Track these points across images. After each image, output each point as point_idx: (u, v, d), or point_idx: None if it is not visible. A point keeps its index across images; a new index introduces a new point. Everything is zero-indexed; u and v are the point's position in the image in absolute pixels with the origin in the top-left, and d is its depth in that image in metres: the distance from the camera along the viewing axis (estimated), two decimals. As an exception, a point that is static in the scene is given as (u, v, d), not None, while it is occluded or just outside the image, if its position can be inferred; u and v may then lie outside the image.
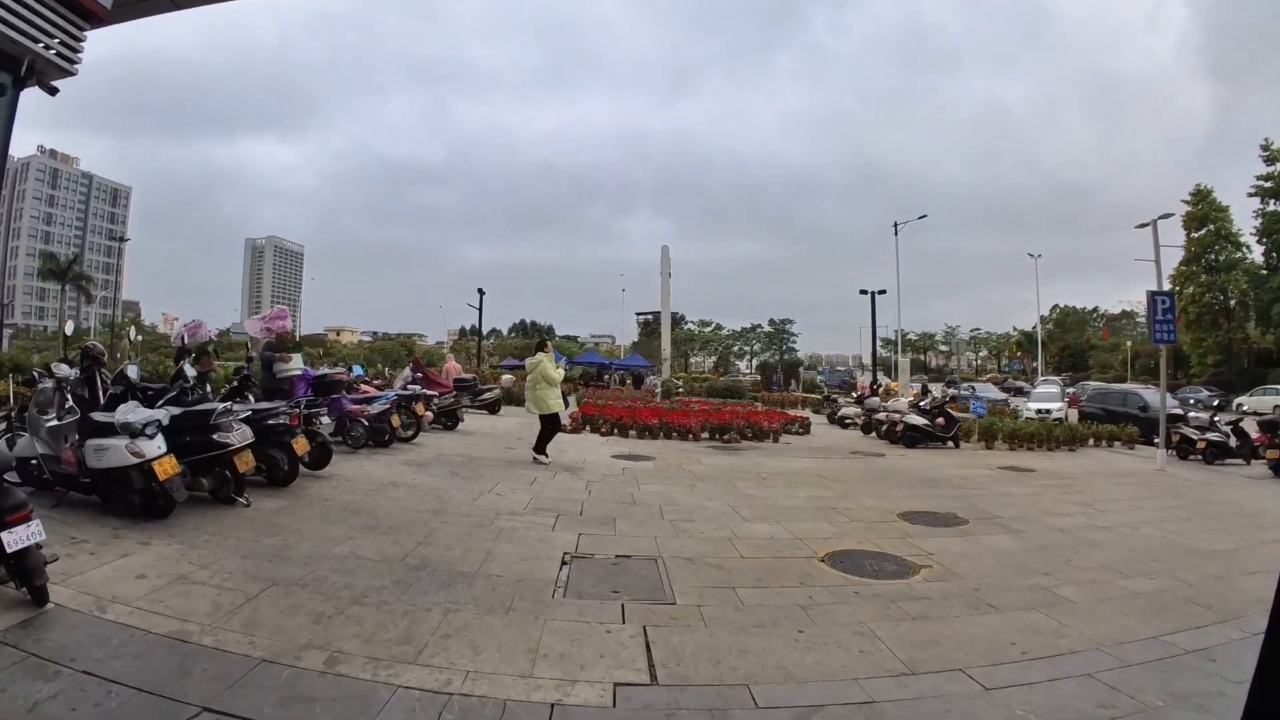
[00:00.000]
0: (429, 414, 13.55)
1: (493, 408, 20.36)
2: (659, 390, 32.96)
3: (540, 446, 11.39)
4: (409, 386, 13.98)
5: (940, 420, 17.24)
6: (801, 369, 76.43)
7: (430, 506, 7.53)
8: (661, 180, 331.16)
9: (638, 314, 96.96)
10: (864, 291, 42.28)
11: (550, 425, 11.60)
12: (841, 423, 23.09)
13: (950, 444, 16.85)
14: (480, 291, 45.67)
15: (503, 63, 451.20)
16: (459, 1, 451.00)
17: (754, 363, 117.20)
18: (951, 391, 23.78)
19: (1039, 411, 25.23)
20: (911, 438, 16.70)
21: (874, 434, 18.89)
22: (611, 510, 7.86)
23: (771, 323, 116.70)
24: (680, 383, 46.62)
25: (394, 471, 9.60)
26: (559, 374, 11.73)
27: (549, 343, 12.60)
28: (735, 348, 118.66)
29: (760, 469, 11.82)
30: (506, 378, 22.56)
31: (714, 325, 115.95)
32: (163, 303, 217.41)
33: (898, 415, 17.38)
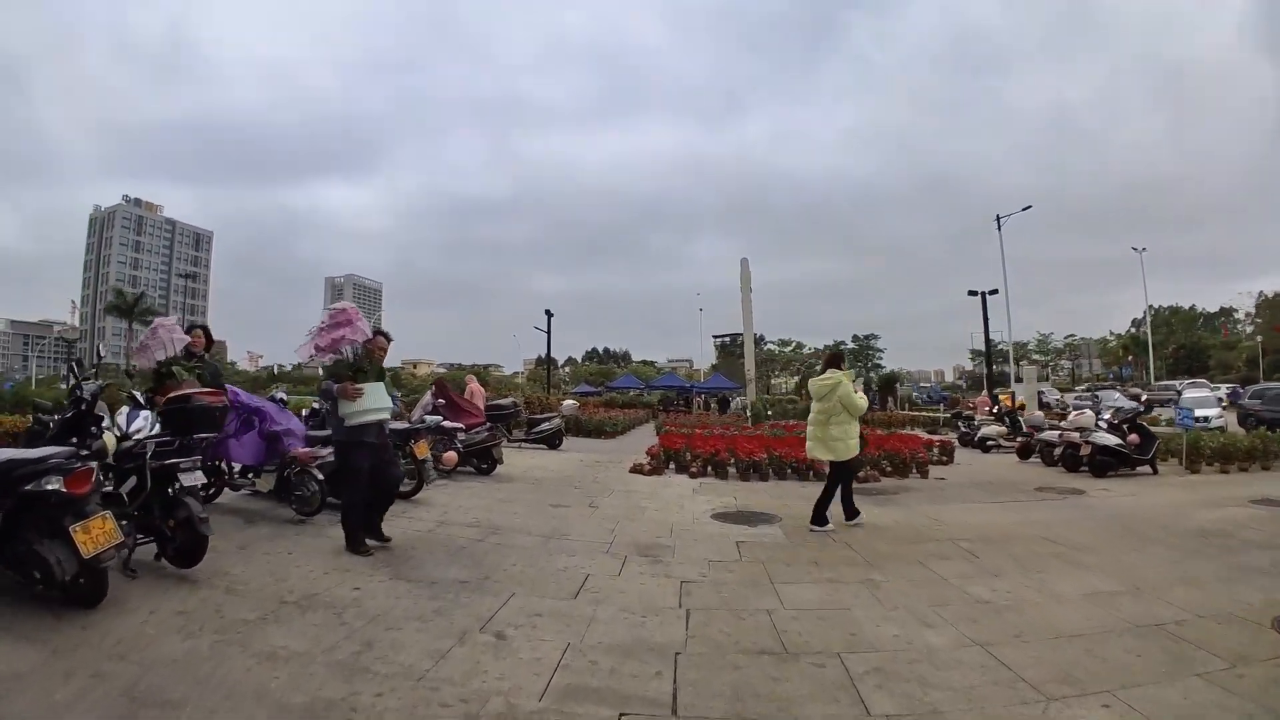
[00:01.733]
0: (451, 454, 9.82)
1: (552, 441, 16.58)
2: (748, 413, 28.72)
3: (822, 510, 7.49)
4: (425, 418, 10.30)
5: (1134, 438, 12.60)
6: (898, 385, 70.62)
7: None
8: (725, 203, 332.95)
9: (714, 336, 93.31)
10: (973, 293, 36.99)
11: (843, 476, 7.66)
12: (983, 445, 18.44)
13: (1148, 468, 12.45)
14: (548, 313, 42.34)
15: (557, 96, 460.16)
16: (507, 42, 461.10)
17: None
18: (1143, 396, 18.67)
19: (1197, 420, 20.06)
20: (1103, 463, 12.10)
21: (1035, 459, 14.73)
22: (740, 682, 3.52)
23: (855, 339, 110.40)
24: (768, 405, 42.29)
25: (319, 577, 5.12)
26: (862, 402, 7.70)
27: (844, 355, 8.29)
28: (818, 367, 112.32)
29: (944, 528, 7.48)
30: (569, 403, 18.66)
31: (794, 344, 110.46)
32: (248, 341, 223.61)
33: (1076, 434, 12.78)
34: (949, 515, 8.34)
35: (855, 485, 8.40)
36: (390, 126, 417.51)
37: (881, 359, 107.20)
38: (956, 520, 7.98)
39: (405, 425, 8.90)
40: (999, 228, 37.52)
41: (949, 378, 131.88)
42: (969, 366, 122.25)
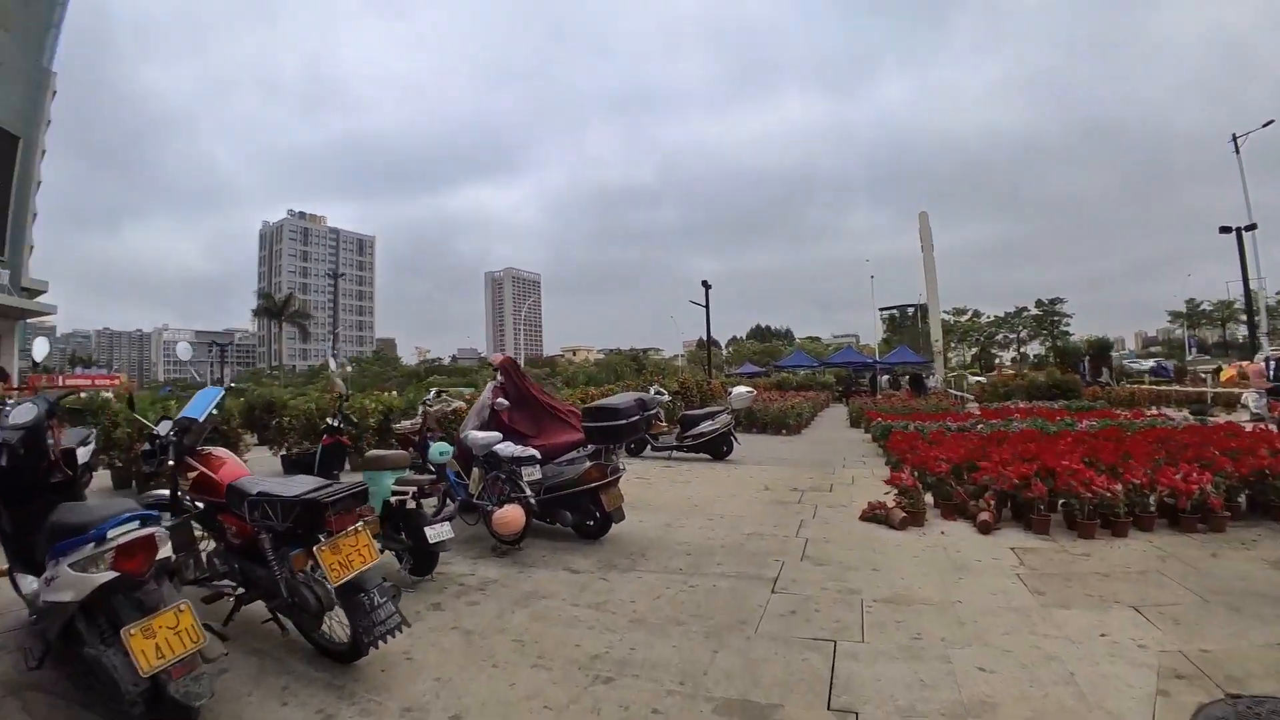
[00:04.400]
0: (512, 513, 5.08)
1: (717, 448, 11.45)
2: (963, 396, 22.34)
3: None
4: (472, 434, 5.71)
5: None
6: (1114, 354, 59.83)
7: None
8: (875, 171, 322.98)
9: (881, 309, 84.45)
10: (1226, 229, 28.30)
11: None
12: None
13: None
14: (705, 285, 37.10)
15: (687, 81, 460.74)
16: (626, 36, 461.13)
17: (1020, 352, 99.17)
18: None
19: None
20: None
21: None
22: None
23: (1039, 304, 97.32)
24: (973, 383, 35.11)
25: None
26: None
27: None
28: (999, 336, 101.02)
29: None
30: (741, 390, 13.19)
31: (970, 313, 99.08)
32: (416, 337, 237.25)
33: None
34: None
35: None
36: (528, 128, 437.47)
37: (1069, 325, 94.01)
38: None
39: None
40: (1236, 150, 28.91)
41: (1130, 345, 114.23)
42: (1174, 330, 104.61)
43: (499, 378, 6.52)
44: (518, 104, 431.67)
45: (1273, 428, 10.08)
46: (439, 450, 5.44)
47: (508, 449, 5.59)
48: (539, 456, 5.69)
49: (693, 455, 11.35)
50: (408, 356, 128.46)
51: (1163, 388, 27.89)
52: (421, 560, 4.82)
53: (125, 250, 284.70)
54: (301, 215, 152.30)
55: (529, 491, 5.44)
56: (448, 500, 6.14)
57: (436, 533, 4.67)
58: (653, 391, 11.28)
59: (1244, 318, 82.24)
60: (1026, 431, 10.63)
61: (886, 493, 6.88)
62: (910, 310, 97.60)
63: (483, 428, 6.00)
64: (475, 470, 5.85)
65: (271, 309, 68.30)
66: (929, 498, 6.90)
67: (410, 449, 6.17)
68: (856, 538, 5.97)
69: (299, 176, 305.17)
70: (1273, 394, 14.58)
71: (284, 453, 9.43)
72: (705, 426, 11.31)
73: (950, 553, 5.47)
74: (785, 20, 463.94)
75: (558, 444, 6.13)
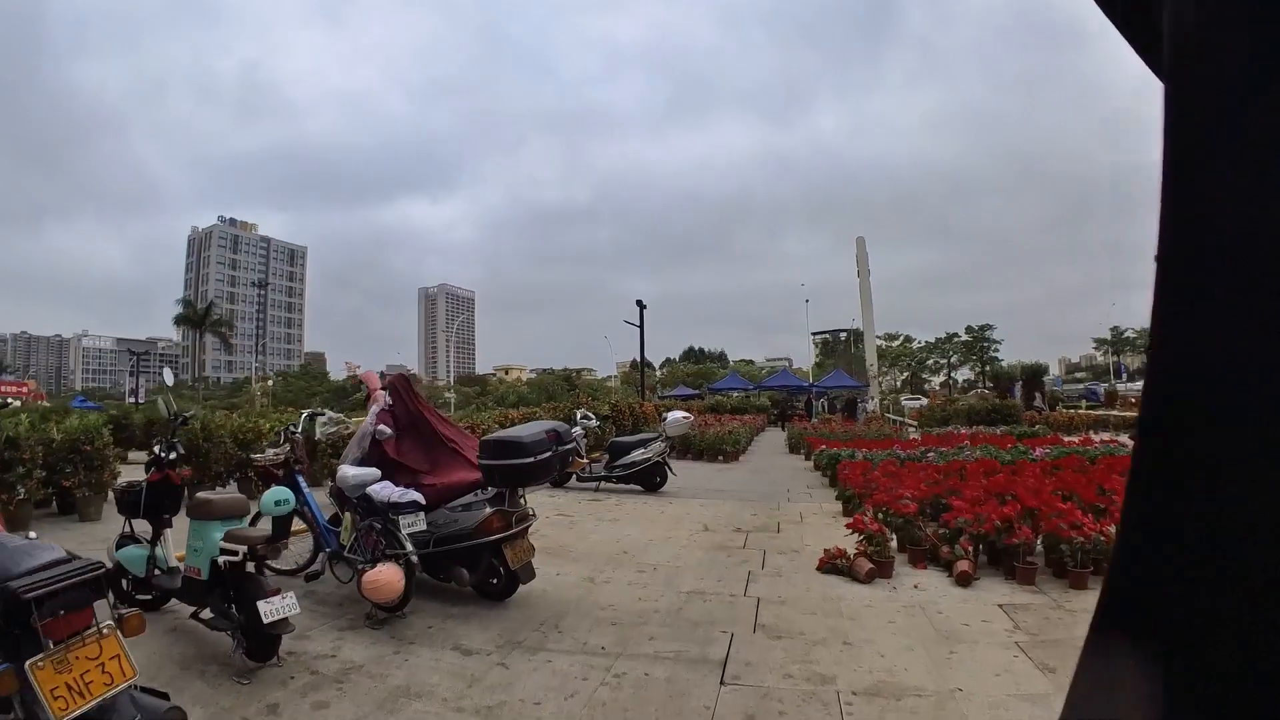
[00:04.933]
0: (384, 575, 3.91)
1: (650, 479, 10.37)
2: (903, 421, 21.88)
3: None
4: (347, 472, 4.53)
5: None
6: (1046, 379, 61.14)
7: None
8: (810, 197, 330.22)
9: (814, 333, 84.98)
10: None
11: None
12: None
13: None
14: (640, 304, 36.16)
15: (623, 104, 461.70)
16: (564, 57, 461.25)
17: (950, 377, 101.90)
18: None
19: None
20: None
21: None
22: None
23: (969, 330, 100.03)
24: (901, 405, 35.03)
25: None
26: None
27: None
28: (930, 361, 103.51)
29: None
30: (676, 416, 11.88)
31: (902, 338, 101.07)
32: (346, 353, 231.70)
33: None
34: None
35: None
36: (466, 145, 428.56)
37: (998, 351, 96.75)
38: None
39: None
40: None
41: (1054, 371, 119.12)
42: (1096, 356, 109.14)
43: (385, 400, 5.32)
44: (455, 120, 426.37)
45: None
46: (274, 499, 3.78)
47: (384, 490, 4.39)
48: (422, 502, 4.48)
49: (623, 486, 10.24)
50: (336, 371, 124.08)
51: (1100, 412, 28.17)
52: (259, 641, 3.57)
53: (47, 251, 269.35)
54: (232, 222, 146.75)
55: (409, 546, 4.25)
56: (321, 551, 4.91)
57: (273, 608, 3.46)
58: (579, 416, 10.09)
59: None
60: (984, 462, 9.90)
61: (846, 534, 5.92)
62: (843, 335, 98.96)
63: (363, 462, 4.82)
64: (347, 515, 4.64)
65: (193, 318, 64.45)
66: (893, 541, 5.96)
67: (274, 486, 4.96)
68: (817, 596, 4.95)
69: (231, 183, 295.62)
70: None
71: (123, 484, 7.98)
72: (637, 455, 10.20)
73: (931, 614, 4.51)
74: (723, 48, 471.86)
75: (456, 483, 4.88)
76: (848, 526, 6.06)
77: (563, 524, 7.48)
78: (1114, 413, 26.90)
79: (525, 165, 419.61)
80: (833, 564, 5.54)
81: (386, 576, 3.90)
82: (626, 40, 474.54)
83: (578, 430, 9.26)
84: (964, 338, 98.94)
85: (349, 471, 4.48)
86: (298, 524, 4.60)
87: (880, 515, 6.13)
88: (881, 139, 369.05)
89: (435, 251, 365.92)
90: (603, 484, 10.22)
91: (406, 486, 4.61)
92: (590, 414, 10.59)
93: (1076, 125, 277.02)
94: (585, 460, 9.25)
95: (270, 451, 5.28)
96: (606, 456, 10.42)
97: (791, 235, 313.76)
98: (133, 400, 46.32)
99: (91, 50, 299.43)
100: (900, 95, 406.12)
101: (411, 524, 4.30)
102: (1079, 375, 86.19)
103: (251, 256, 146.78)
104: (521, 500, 4.73)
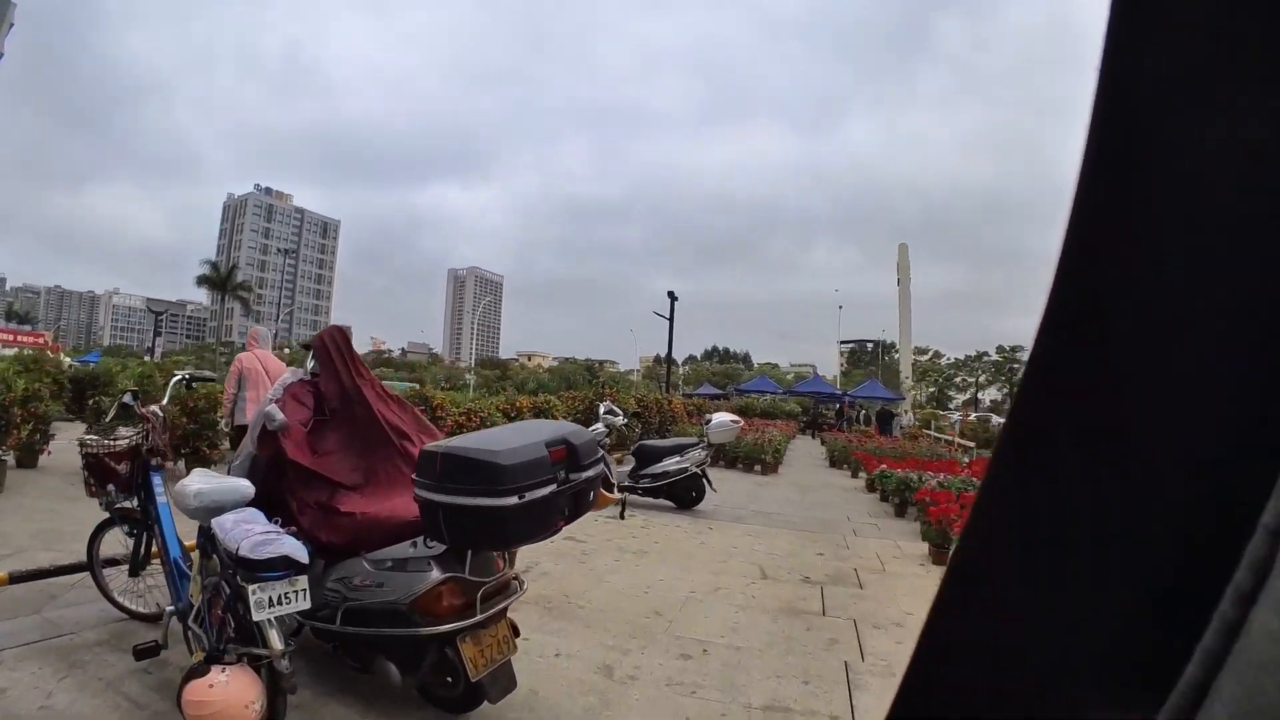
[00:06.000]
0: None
1: (685, 495, 8.56)
2: (961, 442, 19.76)
3: None
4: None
5: None
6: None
7: None
8: (842, 209, 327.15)
9: (841, 341, 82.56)
10: None
11: None
12: None
13: None
14: (671, 296, 34.18)
15: (662, 104, 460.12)
16: (605, 54, 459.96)
17: (975, 396, 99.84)
18: None
19: None
20: None
21: None
22: None
23: (1000, 350, 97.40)
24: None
25: None
26: None
27: None
28: (958, 379, 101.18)
29: None
30: (721, 419, 9.81)
31: (931, 353, 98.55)
32: (372, 327, 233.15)
33: None
34: None
35: None
36: (503, 133, 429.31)
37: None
38: None
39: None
40: None
41: None
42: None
43: (310, 364, 3.54)
44: (493, 109, 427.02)
45: None
46: None
47: (233, 530, 2.44)
48: (299, 558, 2.38)
49: (650, 500, 8.43)
50: (362, 346, 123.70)
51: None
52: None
53: (87, 212, 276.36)
54: (268, 191, 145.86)
55: (275, 641, 2.32)
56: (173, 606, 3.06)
57: None
58: (603, 410, 8.19)
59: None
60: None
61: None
62: (869, 345, 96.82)
63: (247, 467, 3.07)
64: (196, 555, 2.83)
65: (215, 280, 63.35)
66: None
67: (111, 486, 3.16)
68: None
69: (269, 157, 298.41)
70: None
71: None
72: (670, 464, 8.33)
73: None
74: (759, 57, 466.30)
75: (393, 515, 2.84)
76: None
77: (571, 555, 5.59)
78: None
79: (560, 158, 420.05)
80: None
81: (222, 696, 2.12)
82: (664, 41, 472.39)
83: (600, 429, 7.39)
84: (994, 358, 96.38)
85: (192, 485, 2.65)
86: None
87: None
88: (915, 156, 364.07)
89: (466, 237, 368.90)
90: (627, 496, 8.40)
91: (318, 510, 2.83)
92: (616, 408, 8.73)
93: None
94: (617, 496, 7.10)
95: (122, 434, 3.36)
96: (633, 462, 8.60)
97: (820, 246, 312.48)
98: (148, 358, 45.39)
99: (142, 19, 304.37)
100: (936, 113, 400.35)
101: (279, 599, 2.34)
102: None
103: (285, 226, 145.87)
104: (500, 559, 2.86)
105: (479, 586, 2.62)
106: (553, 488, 2.45)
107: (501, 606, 2.72)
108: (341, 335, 3.62)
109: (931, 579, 5.74)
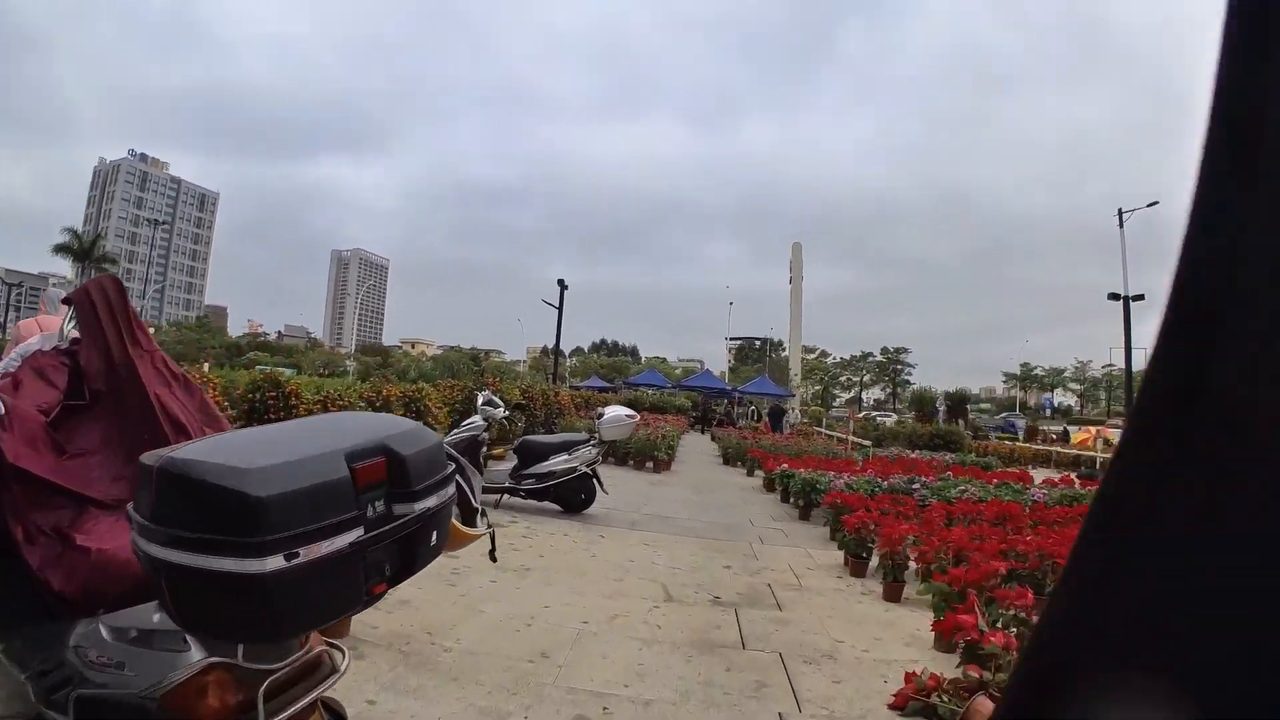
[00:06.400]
0: None
1: (574, 498, 7.66)
2: (856, 440, 19.69)
3: None
4: None
5: None
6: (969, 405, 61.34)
7: None
8: (737, 206, 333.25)
9: (728, 338, 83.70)
10: (1115, 296, 28.09)
11: None
12: None
13: None
14: (561, 285, 33.21)
15: (562, 90, 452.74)
16: (507, 36, 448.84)
17: (859, 395, 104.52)
18: None
19: None
20: None
21: None
22: None
23: (884, 351, 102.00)
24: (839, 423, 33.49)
25: None
26: None
27: None
28: (843, 378, 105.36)
29: None
30: (615, 412, 8.96)
31: (818, 352, 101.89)
32: (250, 309, 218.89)
33: None
34: None
35: None
36: (397, 108, 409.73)
37: (911, 375, 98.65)
38: None
39: None
40: (1121, 225, 29.02)
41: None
42: (995, 390, 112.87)
43: (69, 327, 2.41)
44: (390, 83, 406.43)
45: None
46: None
47: None
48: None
49: (534, 503, 7.50)
50: (237, 328, 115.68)
51: (1040, 447, 27.21)
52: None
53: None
54: (143, 158, 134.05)
55: None
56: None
57: None
58: (481, 401, 7.14)
59: (1074, 386, 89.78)
60: (1003, 505, 7.71)
61: (908, 640, 3.42)
62: (757, 343, 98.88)
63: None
64: None
65: (75, 250, 56.98)
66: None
67: None
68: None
69: (147, 118, 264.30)
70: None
71: None
72: (558, 463, 7.41)
73: None
74: (661, 51, 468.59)
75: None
76: (935, 629, 3.56)
77: (438, 573, 4.41)
78: (1057, 449, 25.60)
79: (455, 139, 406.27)
80: (924, 707, 3.02)
81: None
82: (566, 27, 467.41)
83: (477, 421, 6.41)
84: (878, 358, 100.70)
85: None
86: None
87: (990, 611, 3.63)
88: (812, 158, 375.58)
89: (354, 215, 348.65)
90: (503, 498, 7.43)
91: (56, 540, 1.78)
92: (497, 399, 7.70)
93: (998, 171, 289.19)
94: (481, 530, 5.36)
95: None
96: (515, 460, 7.64)
97: (714, 241, 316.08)
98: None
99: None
100: (833, 119, 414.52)
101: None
102: (983, 406, 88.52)
103: (159, 197, 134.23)
104: (344, 655, 1.76)
105: (263, 676, 1.54)
106: (357, 533, 1.36)
107: (305, 703, 1.65)
108: (116, 288, 2.49)
109: (852, 592, 5.12)
